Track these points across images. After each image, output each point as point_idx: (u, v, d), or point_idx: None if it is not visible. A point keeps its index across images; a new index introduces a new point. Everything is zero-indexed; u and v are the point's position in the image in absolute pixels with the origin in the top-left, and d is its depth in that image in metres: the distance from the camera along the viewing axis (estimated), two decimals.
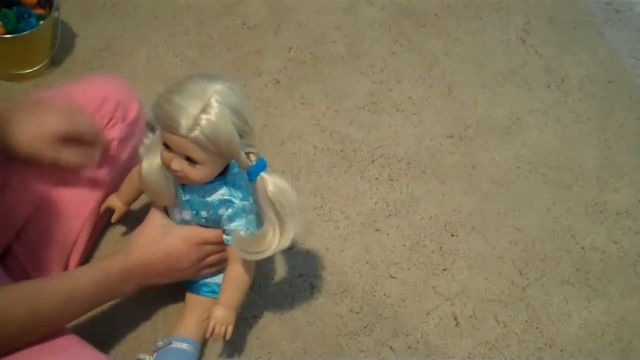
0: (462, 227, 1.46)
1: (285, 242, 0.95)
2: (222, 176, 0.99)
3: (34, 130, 0.95)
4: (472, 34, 1.86)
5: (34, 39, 1.52)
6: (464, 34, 1.85)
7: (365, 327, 1.29)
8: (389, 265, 1.38)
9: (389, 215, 1.46)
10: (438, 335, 1.30)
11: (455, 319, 1.32)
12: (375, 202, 1.47)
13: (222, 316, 1.02)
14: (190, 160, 0.90)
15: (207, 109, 0.85)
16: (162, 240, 1.03)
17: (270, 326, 1.26)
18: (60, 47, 1.62)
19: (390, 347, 1.27)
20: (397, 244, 1.41)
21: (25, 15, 1.53)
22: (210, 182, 0.98)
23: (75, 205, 1.16)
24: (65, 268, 1.16)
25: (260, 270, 1.31)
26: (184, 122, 0.85)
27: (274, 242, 0.94)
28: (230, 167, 1.00)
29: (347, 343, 1.26)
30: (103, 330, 1.20)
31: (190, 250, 1.04)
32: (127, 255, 1.00)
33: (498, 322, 1.33)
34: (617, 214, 1.53)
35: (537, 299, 1.37)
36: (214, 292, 1.16)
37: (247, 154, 0.92)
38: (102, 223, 1.29)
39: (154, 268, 1.02)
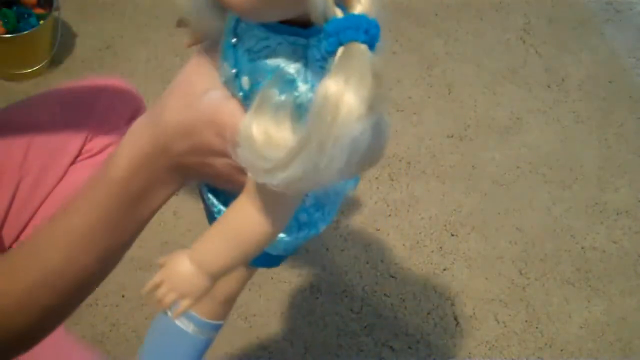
0: (462, 227, 1.46)
1: (293, 173, 0.44)
2: (303, 32, 0.50)
3: None
4: (472, 34, 1.86)
5: (34, 39, 1.52)
6: (464, 34, 1.85)
7: (365, 327, 1.29)
8: (389, 265, 1.38)
9: (389, 215, 1.46)
10: (438, 335, 1.30)
11: (455, 319, 1.32)
12: (375, 202, 1.47)
13: (180, 274, 0.57)
14: None
15: None
16: (185, 111, 0.57)
17: (270, 326, 1.26)
18: (60, 47, 1.62)
19: (390, 347, 1.27)
20: (397, 243, 1.41)
21: (25, 15, 1.53)
22: (277, 30, 0.51)
23: None
24: None
25: (260, 269, 1.31)
26: None
27: (286, 154, 0.45)
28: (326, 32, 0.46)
29: (347, 343, 1.26)
30: (103, 330, 1.20)
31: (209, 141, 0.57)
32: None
33: (498, 322, 1.33)
34: (617, 214, 1.52)
35: (537, 298, 1.37)
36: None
37: None
38: None
39: (172, 146, 0.59)
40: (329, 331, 1.27)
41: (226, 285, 0.83)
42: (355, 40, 0.42)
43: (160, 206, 0.64)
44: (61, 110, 1.09)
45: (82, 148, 1.09)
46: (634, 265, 1.45)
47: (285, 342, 1.25)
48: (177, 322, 0.81)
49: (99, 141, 1.11)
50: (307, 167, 0.43)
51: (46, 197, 1.14)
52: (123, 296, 1.25)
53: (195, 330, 0.81)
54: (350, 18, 0.42)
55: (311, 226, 0.74)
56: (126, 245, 0.66)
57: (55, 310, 0.66)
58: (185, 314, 0.74)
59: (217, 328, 0.84)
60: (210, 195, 0.70)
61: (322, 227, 0.75)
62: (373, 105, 0.42)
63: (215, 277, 0.57)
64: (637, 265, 1.45)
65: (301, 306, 1.30)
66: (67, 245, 0.63)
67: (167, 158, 0.59)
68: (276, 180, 0.45)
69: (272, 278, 1.32)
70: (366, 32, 0.42)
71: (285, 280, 1.33)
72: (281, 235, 0.72)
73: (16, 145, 1.09)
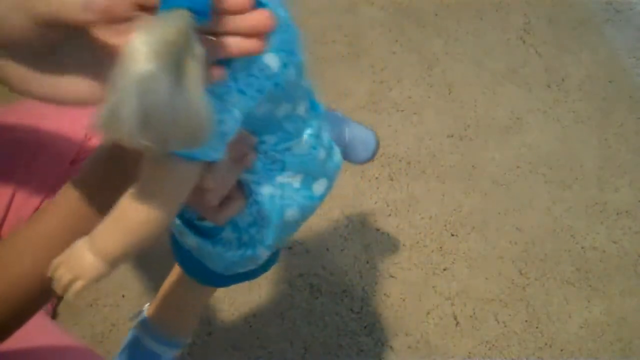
0: (462, 227, 1.46)
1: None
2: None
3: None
4: (472, 34, 1.86)
5: None
6: (464, 34, 1.85)
7: (365, 327, 1.29)
8: (389, 265, 1.38)
9: (389, 215, 1.46)
10: (438, 335, 1.30)
11: (455, 319, 1.32)
12: (375, 202, 1.47)
13: (76, 257, 0.60)
14: None
15: None
16: None
17: (270, 326, 1.26)
18: None
19: (390, 347, 1.27)
20: (397, 243, 1.41)
21: None
22: None
23: None
24: None
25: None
26: None
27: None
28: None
29: (347, 343, 1.26)
30: (103, 330, 1.20)
31: None
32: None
33: (498, 322, 1.33)
34: (617, 214, 1.52)
35: (537, 298, 1.37)
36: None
37: None
38: None
39: None
40: (329, 331, 1.27)
41: (182, 298, 0.88)
42: (179, 6, 0.46)
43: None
44: (60, 109, 1.09)
45: (81, 147, 1.09)
46: (634, 265, 1.45)
47: (285, 342, 1.25)
48: (135, 331, 0.88)
49: (98, 140, 1.11)
50: (108, 108, 0.45)
51: (45, 196, 1.14)
52: (123, 296, 1.25)
53: (165, 351, 0.89)
54: None
55: (249, 246, 0.78)
56: None
57: (20, 313, 0.69)
58: (144, 324, 0.85)
59: (174, 345, 0.90)
60: None
61: (262, 251, 0.79)
62: (165, 55, 0.44)
63: (111, 262, 0.60)
64: (637, 265, 1.45)
65: (301, 306, 1.30)
66: (39, 248, 0.66)
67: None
68: (96, 119, 0.47)
69: (272, 278, 1.32)
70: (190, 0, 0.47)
71: (285, 280, 1.33)
72: (219, 249, 0.77)
73: (19, 144, 1.10)
